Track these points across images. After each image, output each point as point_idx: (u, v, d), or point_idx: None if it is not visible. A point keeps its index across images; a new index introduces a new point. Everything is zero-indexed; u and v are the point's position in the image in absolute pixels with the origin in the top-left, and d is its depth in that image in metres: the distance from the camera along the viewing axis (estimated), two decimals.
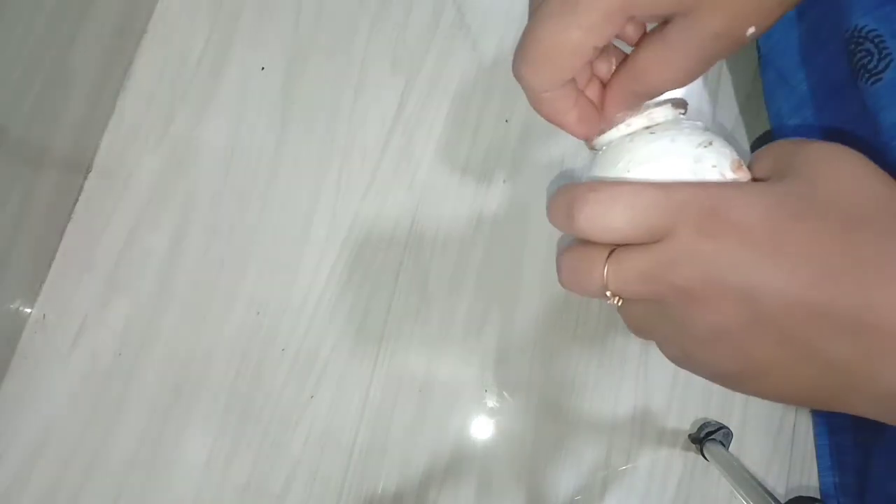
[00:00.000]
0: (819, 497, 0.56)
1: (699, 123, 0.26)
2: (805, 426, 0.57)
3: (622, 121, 0.26)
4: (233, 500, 0.56)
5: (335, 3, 0.65)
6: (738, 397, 0.58)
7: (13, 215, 0.54)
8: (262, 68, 0.64)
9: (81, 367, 0.58)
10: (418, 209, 0.61)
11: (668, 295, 0.22)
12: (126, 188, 0.61)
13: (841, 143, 0.22)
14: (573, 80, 0.25)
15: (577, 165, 0.62)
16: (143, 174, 0.61)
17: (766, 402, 0.58)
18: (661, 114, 0.26)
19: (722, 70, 0.63)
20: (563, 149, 0.62)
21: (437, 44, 0.64)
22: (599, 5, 0.21)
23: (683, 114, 0.27)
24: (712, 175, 0.23)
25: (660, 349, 0.25)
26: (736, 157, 0.24)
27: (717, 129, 0.26)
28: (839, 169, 0.21)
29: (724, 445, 0.54)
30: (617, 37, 0.25)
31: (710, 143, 0.24)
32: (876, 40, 0.41)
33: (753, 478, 0.47)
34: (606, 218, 0.22)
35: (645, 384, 0.58)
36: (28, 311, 0.59)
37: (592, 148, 0.28)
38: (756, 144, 0.61)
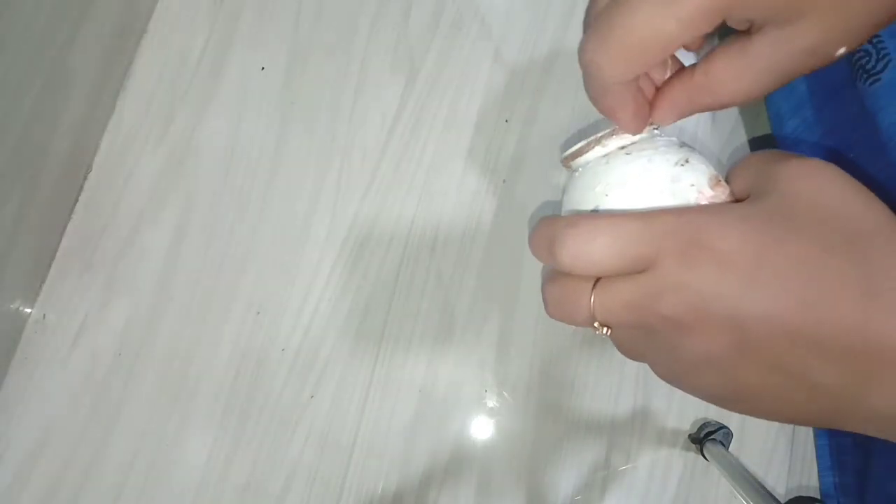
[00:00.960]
0: (819, 497, 0.56)
1: (674, 139, 0.26)
2: (805, 426, 0.57)
3: (597, 142, 0.26)
4: (233, 500, 0.56)
5: (335, 3, 0.65)
6: None
7: (13, 215, 0.54)
8: (262, 68, 0.64)
9: (81, 367, 0.58)
10: (418, 209, 0.61)
11: (656, 323, 0.22)
12: (126, 188, 0.61)
13: (836, 162, 0.22)
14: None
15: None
16: (143, 174, 0.61)
17: None
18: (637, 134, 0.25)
19: None
20: (563, 149, 0.62)
21: (437, 44, 0.64)
22: (699, 0, 0.21)
23: (657, 129, 0.26)
24: (691, 194, 0.23)
25: (651, 369, 0.25)
26: (713, 172, 0.24)
27: (693, 144, 0.26)
28: (818, 187, 0.21)
29: (724, 445, 0.54)
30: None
31: (687, 161, 0.24)
32: (874, 41, 0.41)
33: (753, 478, 0.47)
34: (588, 254, 0.22)
35: (645, 384, 0.58)
36: (28, 311, 0.59)
37: (568, 167, 0.27)
38: (755, 144, 0.61)
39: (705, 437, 0.54)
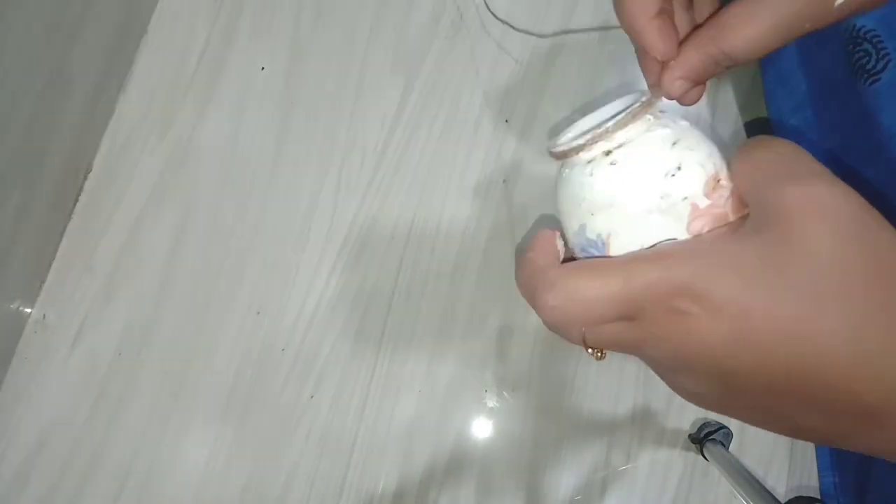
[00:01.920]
0: (819, 497, 0.56)
1: (666, 129, 0.23)
2: None
3: (580, 148, 0.23)
4: (233, 500, 0.56)
5: (335, 2, 0.65)
6: None
7: (13, 215, 0.54)
8: (262, 68, 0.64)
9: (81, 367, 0.58)
10: (418, 209, 0.61)
11: (645, 359, 0.23)
12: (126, 188, 0.61)
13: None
14: None
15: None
16: (143, 174, 0.61)
17: None
18: (622, 131, 0.23)
19: None
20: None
21: (437, 44, 0.64)
22: None
23: (653, 112, 0.23)
24: (683, 209, 0.21)
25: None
26: (711, 172, 0.22)
27: (692, 123, 0.24)
28: (823, 233, 0.19)
29: (724, 445, 0.54)
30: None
31: (679, 169, 0.22)
32: (874, 41, 0.41)
33: (753, 478, 0.47)
34: (568, 317, 0.22)
35: (645, 384, 0.58)
36: (28, 311, 0.59)
37: (553, 156, 0.25)
38: (751, 128, 0.61)
39: (705, 437, 0.54)
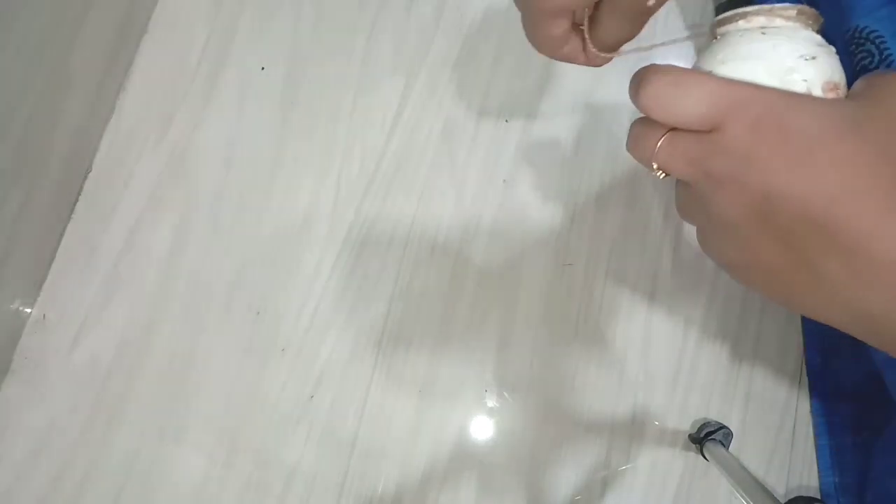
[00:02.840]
0: (819, 497, 0.56)
1: (818, 38, 0.26)
2: (805, 426, 0.57)
3: (743, 16, 0.26)
4: (233, 500, 0.56)
5: (335, 2, 0.65)
6: (738, 397, 0.58)
7: (13, 215, 0.54)
8: (262, 68, 0.64)
9: (81, 367, 0.58)
10: (418, 209, 0.61)
11: (701, 180, 0.24)
12: (126, 188, 0.61)
13: None
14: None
15: (578, 166, 0.62)
16: (143, 174, 0.61)
17: (766, 402, 0.58)
18: (782, 18, 0.26)
19: None
20: (563, 149, 0.62)
21: (437, 44, 0.64)
22: None
23: (812, 26, 0.26)
24: (799, 88, 0.24)
25: (697, 237, 0.28)
26: (834, 78, 0.24)
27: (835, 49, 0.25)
28: None
29: (724, 445, 0.54)
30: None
31: (813, 58, 0.24)
32: (877, 41, 0.41)
33: (753, 478, 0.47)
34: (665, 100, 0.23)
35: (645, 384, 0.58)
36: (28, 311, 0.59)
37: (713, 35, 0.28)
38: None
39: (705, 437, 0.54)
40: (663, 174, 0.26)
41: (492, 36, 0.64)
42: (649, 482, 0.57)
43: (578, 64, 0.29)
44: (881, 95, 0.22)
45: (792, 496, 0.56)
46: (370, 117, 0.62)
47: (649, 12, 0.27)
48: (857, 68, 0.43)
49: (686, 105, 0.23)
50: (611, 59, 0.30)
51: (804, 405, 0.58)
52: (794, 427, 0.57)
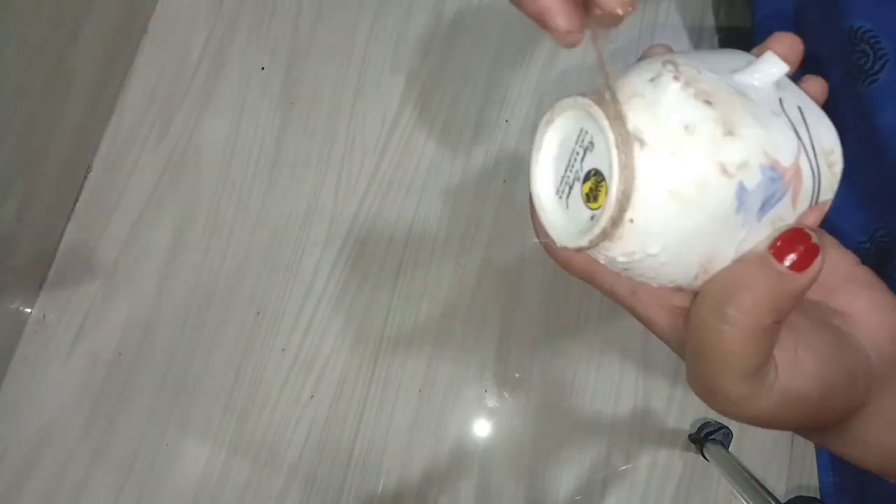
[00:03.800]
0: (819, 497, 0.56)
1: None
2: None
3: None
4: (233, 500, 0.56)
5: (335, 3, 0.65)
6: None
7: (13, 215, 0.54)
8: (262, 68, 0.64)
9: (81, 367, 0.58)
10: (418, 209, 0.61)
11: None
12: (126, 188, 0.61)
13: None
14: None
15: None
16: (143, 174, 0.61)
17: None
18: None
19: None
20: None
21: (437, 44, 0.64)
22: None
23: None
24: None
25: None
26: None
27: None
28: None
29: (724, 445, 0.54)
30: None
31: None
32: (872, 41, 0.41)
33: (753, 478, 0.47)
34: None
35: (645, 384, 0.58)
36: (28, 311, 0.59)
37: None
38: None
39: (705, 437, 0.54)
40: None
41: (492, 36, 0.64)
42: (649, 482, 0.57)
43: (550, 26, 0.21)
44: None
45: (792, 496, 0.56)
46: (370, 117, 0.62)
47: None
48: (853, 68, 0.43)
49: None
50: (579, 39, 0.20)
51: None
52: None
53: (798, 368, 0.18)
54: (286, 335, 0.59)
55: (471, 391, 0.58)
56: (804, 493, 0.56)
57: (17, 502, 0.56)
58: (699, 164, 0.16)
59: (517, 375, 0.58)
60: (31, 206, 0.56)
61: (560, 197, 0.19)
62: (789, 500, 0.54)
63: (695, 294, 0.18)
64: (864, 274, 0.21)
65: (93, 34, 0.58)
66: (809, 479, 0.57)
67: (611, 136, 0.16)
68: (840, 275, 0.21)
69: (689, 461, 0.57)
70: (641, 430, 0.57)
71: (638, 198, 0.16)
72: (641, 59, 0.19)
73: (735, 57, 0.18)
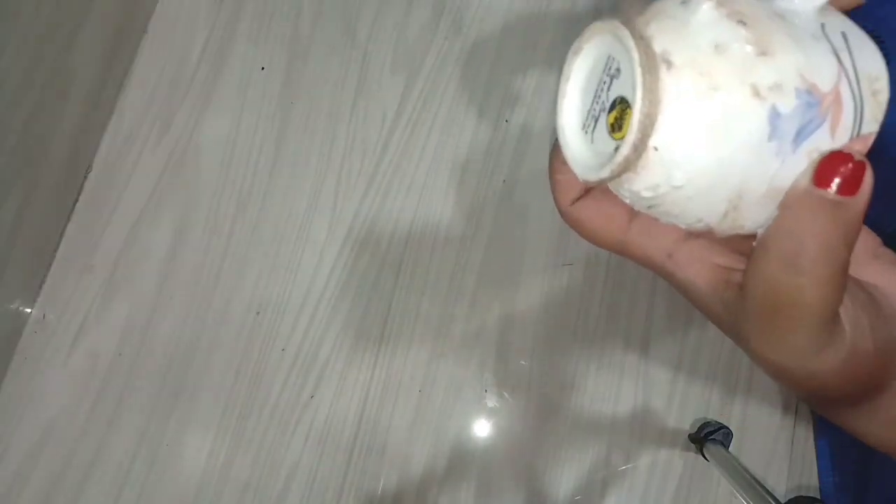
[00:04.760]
0: (819, 497, 0.56)
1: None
2: (805, 426, 0.57)
3: None
4: (233, 499, 0.56)
5: (335, 3, 0.65)
6: (738, 397, 0.58)
7: (13, 215, 0.54)
8: (262, 68, 0.64)
9: (81, 367, 0.58)
10: (418, 209, 0.61)
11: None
12: (126, 188, 0.61)
13: None
14: None
15: None
16: (143, 174, 0.61)
17: (766, 402, 0.58)
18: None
19: None
20: None
21: (437, 44, 0.64)
22: None
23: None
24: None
25: None
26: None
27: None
28: None
29: (724, 445, 0.54)
30: None
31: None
32: (875, 41, 0.41)
33: (753, 478, 0.47)
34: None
35: (645, 384, 0.58)
36: (28, 311, 0.59)
37: None
38: None
39: (705, 437, 0.54)
40: None
41: (492, 36, 0.64)
42: (649, 482, 0.57)
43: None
44: None
45: (792, 496, 0.56)
46: (370, 117, 0.62)
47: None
48: None
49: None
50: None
51: (804, 405, 0.58)
52: (794, 427, 0.57)
53: (856, 320, 0.17)
54: (286, 335, 0.59)
55: (471, 391, 0.58)
56: (804, 493, 0.56)
57: (18, 502, 0.56)
58: (729, 85, 0.15)
59: (517, 375, 0.58)
60: (31, 206, 0.56)
61: (586, 131, 0.18)
62: (789, 500, 0.54)
63: (740, 248, 0.18)
64: (888, 253, 0.21)
65: (93, 34, 0.58)
66: (809, 479, 0.57)
67: (635, 57, 0.15)
68: (867, 252, 0.20)
69: (689, 461, 0.57)
70: (641, 430, 0.57)
71: (662, 122, 0.15)
72: None
73: None
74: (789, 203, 0.16)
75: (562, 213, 0.20)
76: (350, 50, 0.64)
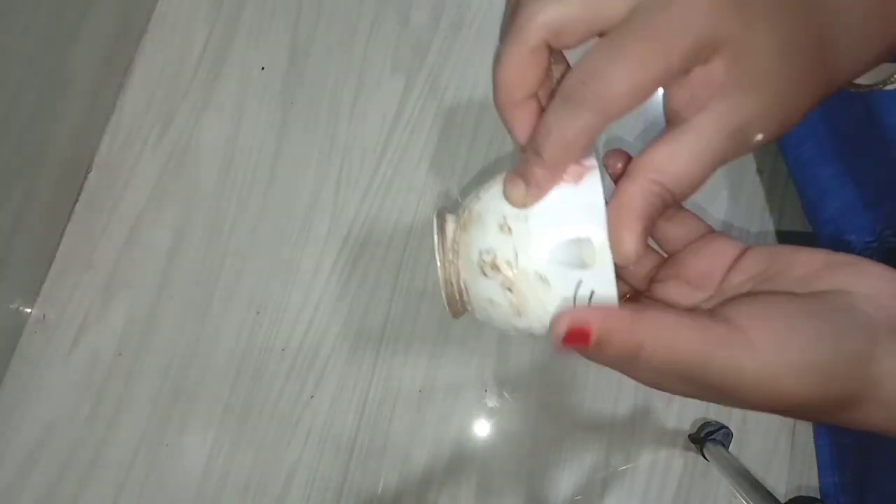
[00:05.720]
0: (819, 497, 0.56)
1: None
2: (805, 426, 0.57)
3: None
4: (233, 500, 0.56)
5: (335, 3, 0.65)
6: None
7: (13, 215, 0.54)
8: (262, 68, 0.64)
9: (81, 367, 0.58)
10: (418, 209, 0.61)
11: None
12: (126, 188, 0.61)
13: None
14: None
15: None
16: (143, 174, 0.61)
17: None
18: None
19: None
20: None
21: (437, 44, 0.64)
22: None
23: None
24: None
25: None
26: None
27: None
28: None
29: (724, 445, 0.54)
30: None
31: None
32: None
33: (753, 478, 0.47)
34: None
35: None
36: (28, 311, 0.59)
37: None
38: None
39: (705, 437, 0.54)
40: None
41: (492, 35, 0.64)
42: (649, 482, 0.57)
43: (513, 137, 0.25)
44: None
45: (792, 496, 0.56)
46: (370, 117, 0.62)
47: (739, 154, 0.22)
48: None
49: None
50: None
51: None
52: (794, 427, 0.57)
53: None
54: (286, 335, 0.59)
55: (471, 391, 0.58)
56: (804, 493, 0.56)
57: (18, 502, 0.56)
58: (498, 322, 0.25)
59: (517, 375, 0.58)
60: (31, 206, 0.56)
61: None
62: (789, 500, 0.54)
63: None
64: (841, 256, 0.22)
65: (93, 34, 0.58)
66: (809, 479, 0.57)
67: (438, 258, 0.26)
68: (816, 264, 0.22)
69: (689, 461, 0.57)
70: (641, 430, 0.57)
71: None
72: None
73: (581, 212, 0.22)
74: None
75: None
76: (350, 50, 0.64)
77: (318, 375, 0.58)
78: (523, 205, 0.23)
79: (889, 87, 0.24)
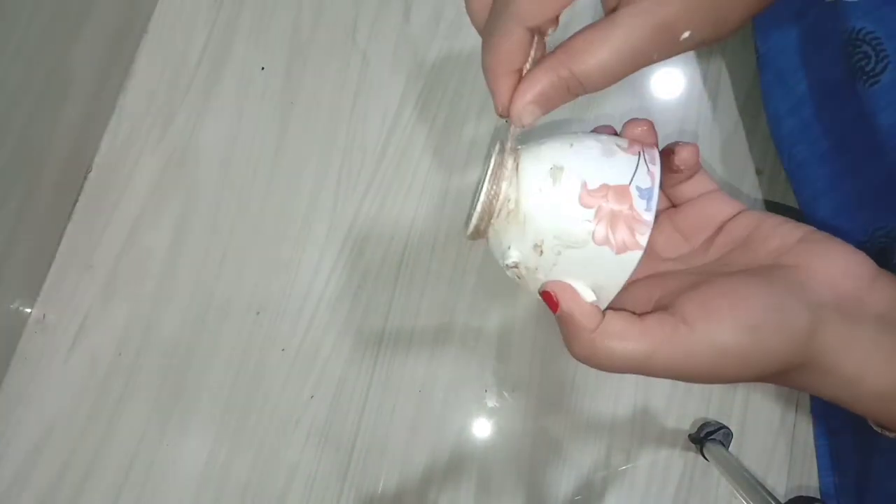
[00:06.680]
0: (819, 497, 0.56)
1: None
2: (805, 426, 0.57)
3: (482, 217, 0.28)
4: (233, 500, 0.56)
5: (335, 3, 0.65)
6: (738, 397, 0.58)
7: (13, 215, 0.54)
8: (262, 68, 0.64)
9: (81, 366, 0.58)
10: (418, 209, 0.61)
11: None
12: (126, 188, 0.61)
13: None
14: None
15: None
16: (143, 174, 0.61)
17: (766, 402, 0.58)
18: (505, 185, 0.30)
19: (722, 70, 0.63)
20: None
21: (437, 44, 0.64)
22: None
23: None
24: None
25: None
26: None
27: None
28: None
29: (724, 445, 0.54)
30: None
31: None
32: (873, 42, 0.41)
33: (753, 478, 0.47)
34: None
35: (645, 384, 0.58)
36: (28, 311, 0.59)
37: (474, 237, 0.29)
38: (756, 152, 0.61)
39: (705, 437, 0.54)
40: None
41: None
42: (649, 482, 0.57)
43: (497, 94, 0.28)
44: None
45: (792, 496, 0.56)
46: (370, 117, 0.62)
47: (666, 53, 0.23)
48: (855, 69, 0.43)
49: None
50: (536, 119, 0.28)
51: (804, 405, 0.58)
52: (794, 427, 0.57)
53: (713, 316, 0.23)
54: (286, 335, 0.59)
55: (471, 391, 0.58)
56: (804, 493, 0.56)
57: (17, 502, 0.56)
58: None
59: (517, 375, 0.58)
60: (31, 206, 0.56)
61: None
62: (789, 500, 0.54)
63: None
64: (817, 234, 0.25)
65: (93, 34, 0.58)
66: (809, 479, 0.57)
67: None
68: (792, 239, 0.25)
69: (689, 461, 0.57)
70: (641, 430, 0.57)
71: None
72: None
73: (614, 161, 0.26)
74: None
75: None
76: (350, 50, 0.64)
77: (318, 375, 0.58)
78: (501, 106, 0.28)
79: None
